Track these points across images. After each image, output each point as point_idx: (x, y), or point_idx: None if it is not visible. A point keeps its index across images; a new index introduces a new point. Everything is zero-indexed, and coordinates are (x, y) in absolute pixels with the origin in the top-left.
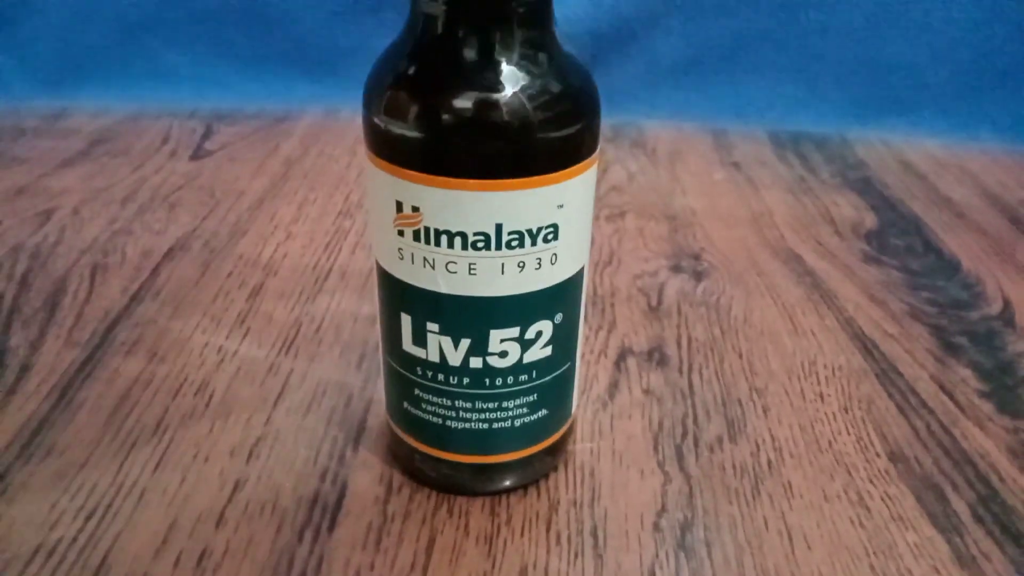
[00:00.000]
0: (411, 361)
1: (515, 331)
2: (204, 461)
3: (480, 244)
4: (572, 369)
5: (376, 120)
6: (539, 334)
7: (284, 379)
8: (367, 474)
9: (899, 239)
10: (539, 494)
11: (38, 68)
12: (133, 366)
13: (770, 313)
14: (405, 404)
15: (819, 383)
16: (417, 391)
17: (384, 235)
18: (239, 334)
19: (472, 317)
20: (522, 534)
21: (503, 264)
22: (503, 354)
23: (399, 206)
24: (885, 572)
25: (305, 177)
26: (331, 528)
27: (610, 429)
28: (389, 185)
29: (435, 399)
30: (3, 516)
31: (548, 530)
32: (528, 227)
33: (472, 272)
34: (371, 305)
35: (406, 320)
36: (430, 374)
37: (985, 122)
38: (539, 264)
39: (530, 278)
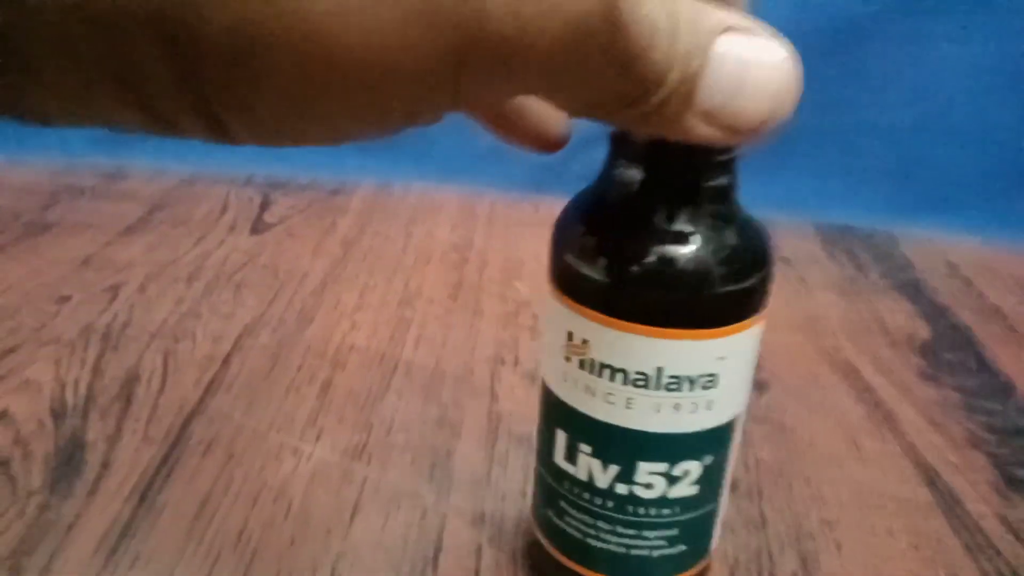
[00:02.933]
0: (560, 474)
1: (663, 466)
2: (288, 574)
3: (640, 383)
4: (716, 508)
5: (564, 258)
6: (686, 473)
7: (359, 488)
8: None
9: (951, 354)
10: None
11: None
12: (211, 468)
13: (834, 435)
14: (550, 513)
15: (887, 516)
16: (562, 503)
17: (552, 356)
18: (312, 434)
19: (623, 447)
20: None
21: (659, 404)
22: (648, 485)
23: (570, 335)
24: None
25: (364, 259)
26: None
27: None
28: (564, 315)
29: (578, 515)
30: None
31: None
32: (688, 374)
33: (629, 407)
34: (438, 408)
35: (561, 436)
36: (577, 491)
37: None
38: (695, 408)
39: (683, 420)
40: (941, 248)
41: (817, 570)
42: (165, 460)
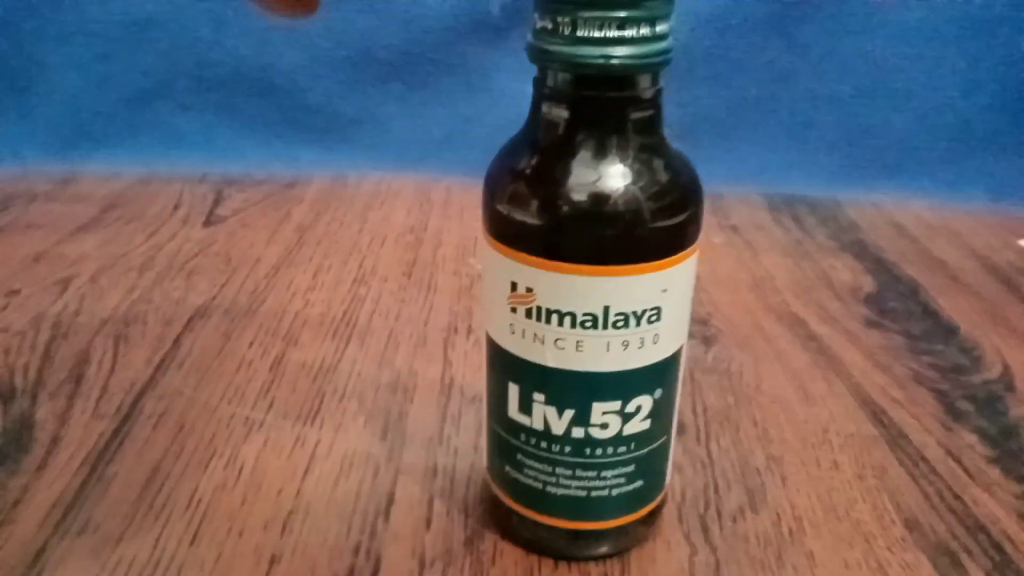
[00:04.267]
0: (515, 428)
1: (616, 404)
2: (239, 536)
3: (588, 324)
4: (668, 442)
5: (499, 208)
6: (639, 408)
7: (311, 451)
8: (399, 547)
9: (897, 303)
10: (570, 567)
11: (49, 134)
12: (162, 439)
13: (780, 380)
14: (507, 467)
15: (833, 450)
16: (520, 456)
17: (496, 310)
18: (264, 405)
19: (576, 390)
20: None
21: (608, 343)
22: (604, 426)
23: (514, 286)
24: None
25: (319, 244)
26: None
27: None
28: (506, 266)
29: (537, 465)
30: None
31: None
32: (634, 309)
33: (579, 349)
34: (391, 372)
35: (513, 389)
36: (533, 441)
37: (969, 184)
38: (642, 343)
39: (633, 356)
40: (888, 211)
41: (763, 502)
42: (116, 434)
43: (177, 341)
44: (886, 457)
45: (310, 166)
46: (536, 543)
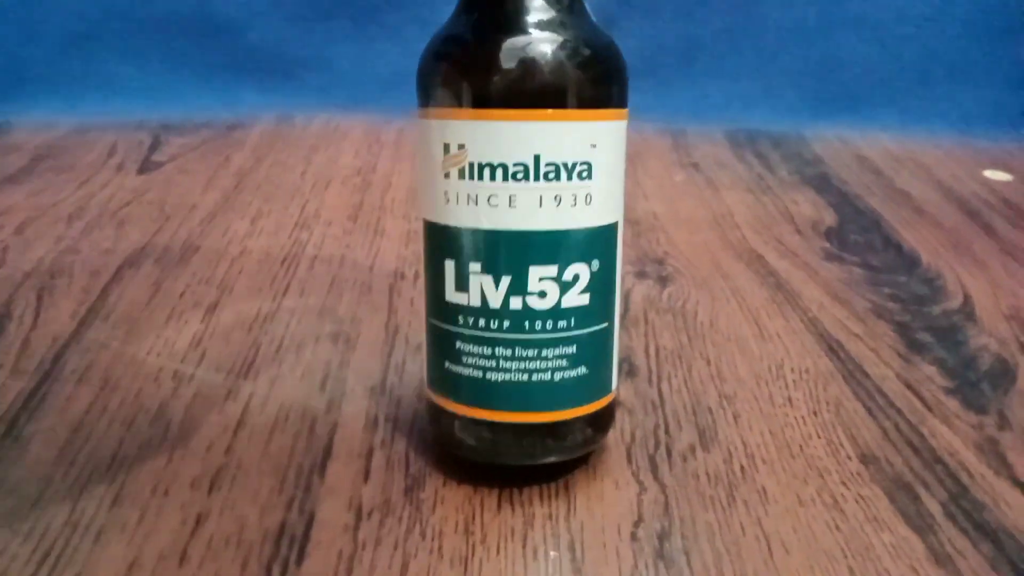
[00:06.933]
0: (453, 311)
1: (553, 270)
2: (164, 495)
3: (519, 175)
4: (610, 333)
5: (429, 72)
6: (576, 278)
7: (244, 404)
8: (335, 501)
9: (859, 235)
10: (513, 509)
11: None
12: (85, 395)
13: (736, 317)
14: (446, 364)
15: (787, 387)
16: (459, 343)
17: (432, 186)
18: (195, 358)
19: (512, 252)
20: (498, 552)
21: (541, 196)
22: (542, 294)
23: (446, 148)
24: (863, 574)
25: (259, 189)
26: (300, 560)
27: None
28: (438, 131)
29: (476, 349)
30: None
31: (524, 546)
32: (564, 160)
33: (512, 205)
34: (332, 323)
35: (450, 266)
36: (472, 321)
37: (937, 115)
38: (575, 201)
39: (566, 215)
40: (854, 144)
41: (714, 441)
42: (35, 392)
43: (104, 292)
44: (842, 391)
45: (253, 109)
46: (482, 449)
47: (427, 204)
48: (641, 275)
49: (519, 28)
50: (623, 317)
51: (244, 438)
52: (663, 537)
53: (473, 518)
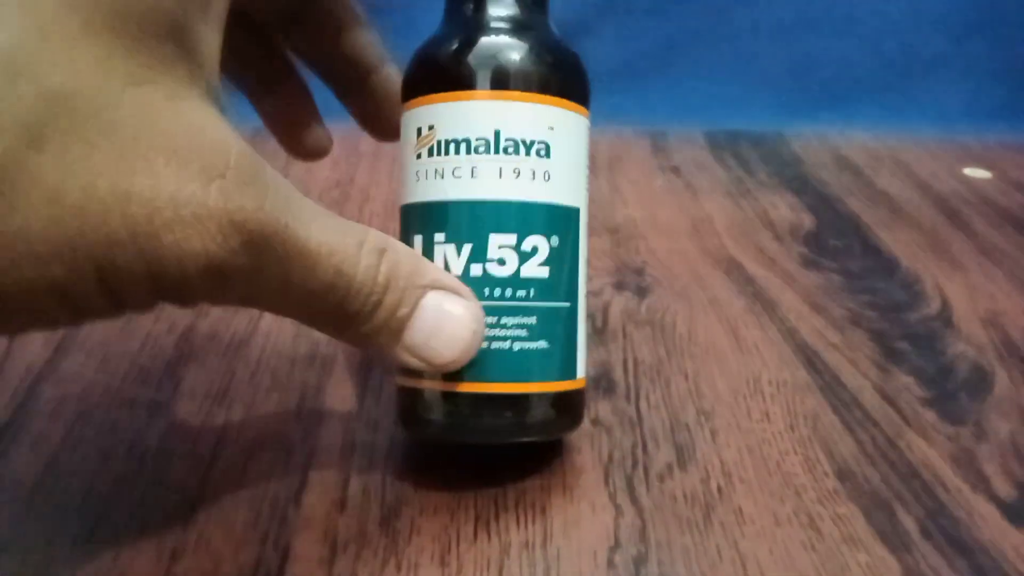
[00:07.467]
0: None
1: (512, 238)
2: (139, 531)
3: (481, 148)
4: (574, 315)
5: (409, 71)
6: (535, 249)
7: (219, 434)
8: (310, 533)
9: (837, 240)
10: (489, 538)
11: None
12: (58, 428)
13: (714, 329)
14: None
15: (764, 401)
16: None
17: (406, 172)
18: (171, 385)
19: (473, 221)
20: None
21: (500, 168)
22: (501, 261)
23: (419, 132)
24: None
25: None
26: None
27: (560, 464)
28: (413, 119)
29: None
30: None
31: None
32: (523, 137)
33: (474, 176)
34: (309, 345)
35: (417, 240)
36: None
37: (916, 111)
38: (533, 176)
39: (525, 187)
40: (833, 143)
41: (692, 460)
42: (8, 426)
43: None
44: (819, 405)
45: (231, 120)
46: (447, 426)
47: (402, 192)
48: (620, 286)
49: (487, 29)
50: (601, 332)
51: (218, 469)
52: (639, 563)
53: (449, 548)
